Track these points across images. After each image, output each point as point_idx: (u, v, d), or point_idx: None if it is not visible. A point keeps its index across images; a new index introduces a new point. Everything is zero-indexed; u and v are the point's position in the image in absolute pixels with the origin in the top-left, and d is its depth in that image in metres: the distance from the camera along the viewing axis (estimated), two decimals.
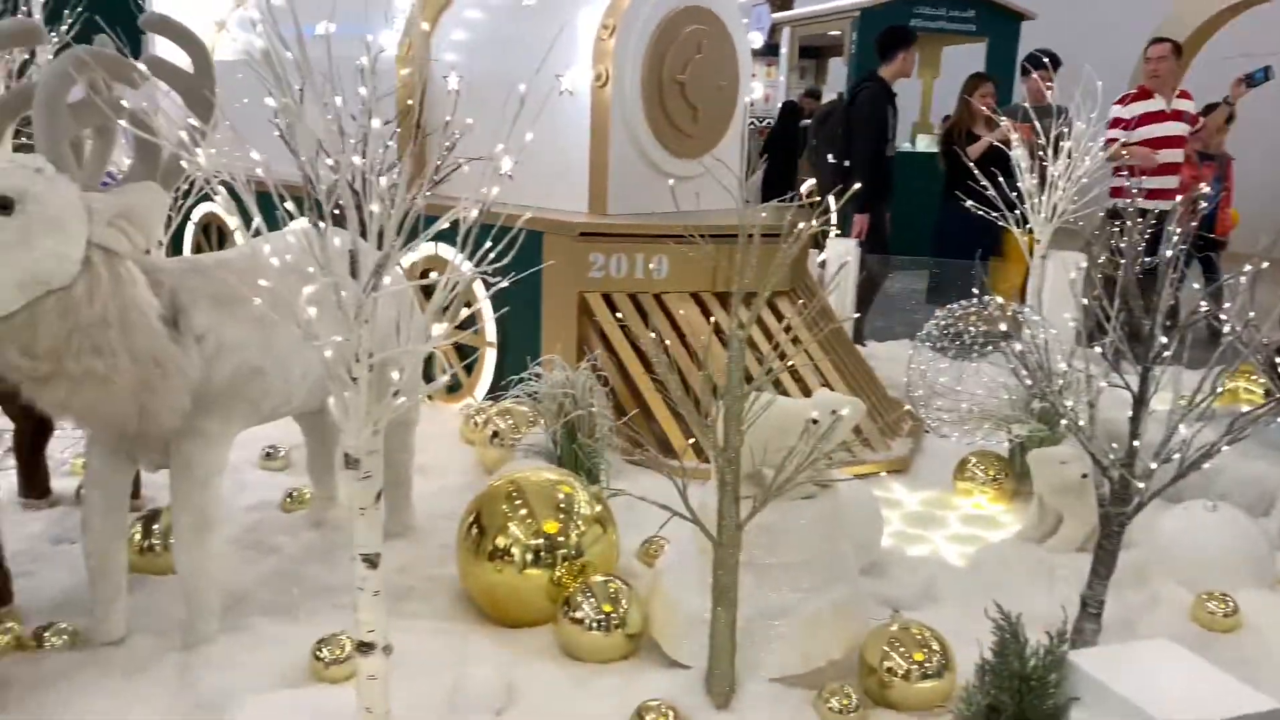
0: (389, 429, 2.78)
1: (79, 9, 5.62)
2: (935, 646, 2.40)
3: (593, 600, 2.54)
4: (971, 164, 4.95)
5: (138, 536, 2.98)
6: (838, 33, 11.49)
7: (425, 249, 5.25)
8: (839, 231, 5.55)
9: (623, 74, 4.44)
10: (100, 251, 2.06)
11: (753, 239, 2.28)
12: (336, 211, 2.07)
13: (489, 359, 4.62)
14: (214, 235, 6.35)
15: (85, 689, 2.31)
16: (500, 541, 2.73)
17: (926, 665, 2.37)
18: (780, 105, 11.14)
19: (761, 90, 5.29)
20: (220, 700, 2.25)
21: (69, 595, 2.77)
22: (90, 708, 2.22)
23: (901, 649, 2.39)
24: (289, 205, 1.72)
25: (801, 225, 2.31)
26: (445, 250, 4.51)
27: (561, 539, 2.73)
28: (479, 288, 4.29)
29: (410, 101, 4.52)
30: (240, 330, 2.37)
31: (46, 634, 2.48)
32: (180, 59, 2.33)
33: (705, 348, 3.93)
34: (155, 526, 2.99)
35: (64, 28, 5.75)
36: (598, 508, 2.86)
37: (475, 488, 3.63)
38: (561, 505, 2.80)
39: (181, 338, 2.24)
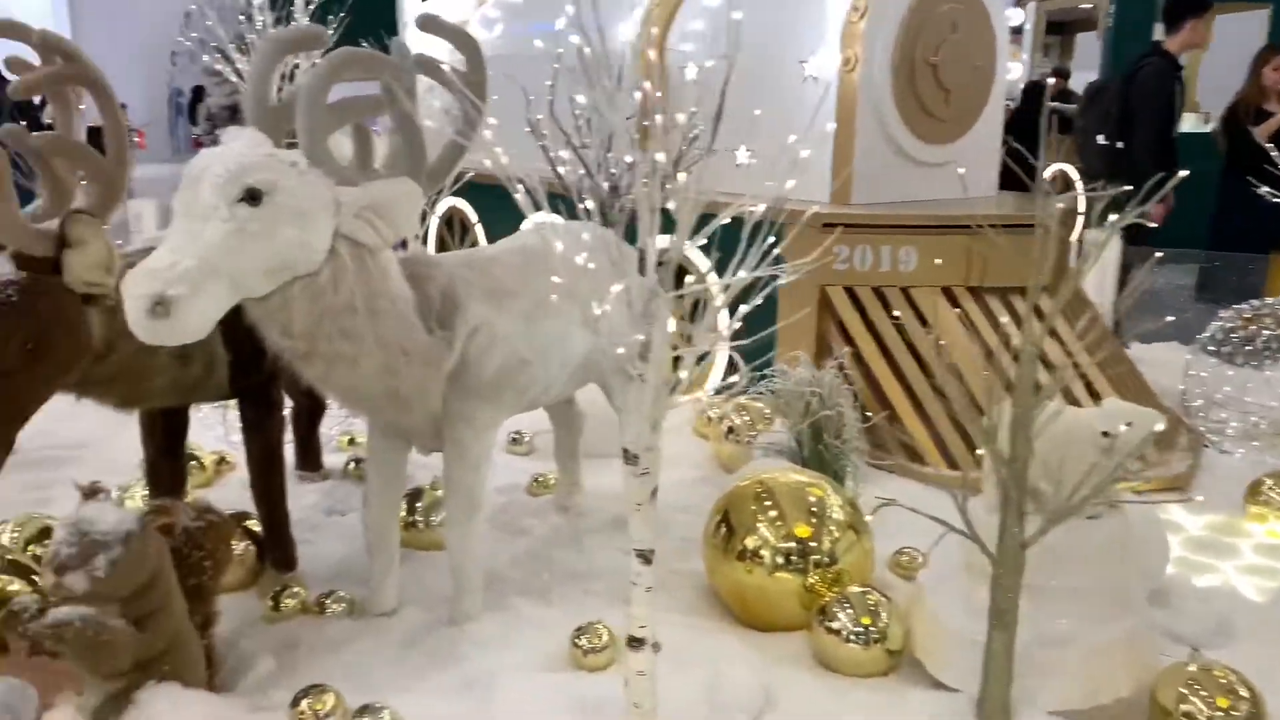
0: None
1: (341, 14, 6.06)
2: (1243, 692, 2.15)
3: (850, 611, 2.44)
4: (1266, 144, 4.43)
5: (403, 512, 3.15)
6: (1090, 5, 10.68)
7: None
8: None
9: (872, 57, 4.26)
10: (347, 242, 2.14)
11: (1048, 232, 2.09)
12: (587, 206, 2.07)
13: (720, 353, 4.58)
14: (456, 228, 6.64)
15: (364, 656, 2.44)
16: (750, 542, 2.68)
17: (1233, 713, 2.12)
18: (1023, 85, 10.48)
19: (1020, 70, 4.91)
20: (486, 678, 2.33)
21: (344, 564, 2.96)
22: (370, 676, 2.34)
23: (1202, 692, 2.14)
24: (589, 204, 1.72)
25: (1115, 218, 2.08)
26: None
27: (814, 544, 2.65)
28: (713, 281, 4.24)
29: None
30: (511, 323, 2.44)
31: (328, 601, 2.65)
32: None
33: (976, 351, 3.74)
34: (419, 504, 3.15)
35: (329, 32, 6.21)
36: (851, 513, 2.75)
37: (711, 481, 3.63)
38: (813, 509, 2.71)
39: (454, 330, 2.32)
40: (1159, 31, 6.13)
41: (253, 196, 2.02)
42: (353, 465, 3.66)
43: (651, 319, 1.67)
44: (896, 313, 4.00)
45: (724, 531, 2.75)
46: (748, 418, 3.86)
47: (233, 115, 6.93)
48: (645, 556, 1.84)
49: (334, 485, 3.58)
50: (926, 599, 2.46)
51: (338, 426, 3.96)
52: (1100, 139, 6.17)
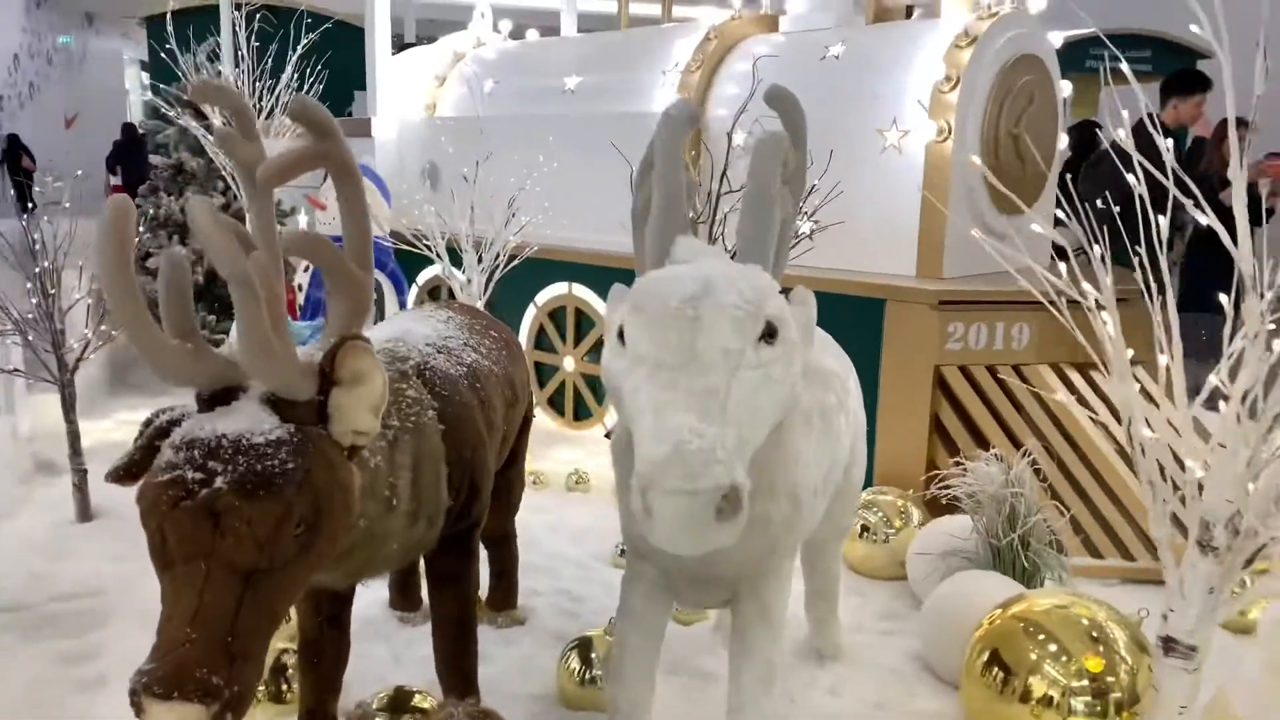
0: (825, 536, 2.33)
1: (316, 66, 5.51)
2: None
3: None
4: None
5: (575, 665, 2.65)
6: None
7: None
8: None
9: (964, 127, 4.08)
10: None
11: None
12: None
13: None
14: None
15: None
16: (1036, 685, 2.33)
17: None
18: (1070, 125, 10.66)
19: (1065, 140, 4.94)
20: None
21: None
22: None
23: None
24: None
25: None
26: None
27: (1110, 679, 2.31)
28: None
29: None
30: (813, 447, 2.02)
31: None
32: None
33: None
34: (593, 655, 2.65)
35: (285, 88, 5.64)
36: (1132, 631, 2.42)
37: (850, 587, 3.27)
38: (1094, 634, 2.38)
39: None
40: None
41: (771, 333, 1.55)
42: None
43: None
44: (1057, 394, 3.75)
45: (997, 671, 2.39)
46: (881, 514, 3.53)
47: (176, 174, 6.23)
48: None
49: None
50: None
51: None
52: (1099, 204, 6.24)
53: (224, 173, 5.63)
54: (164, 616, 1.39)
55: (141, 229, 6.24)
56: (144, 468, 1.48)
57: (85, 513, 3.66)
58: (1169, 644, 1.81)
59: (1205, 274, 6.30)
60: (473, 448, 2.09)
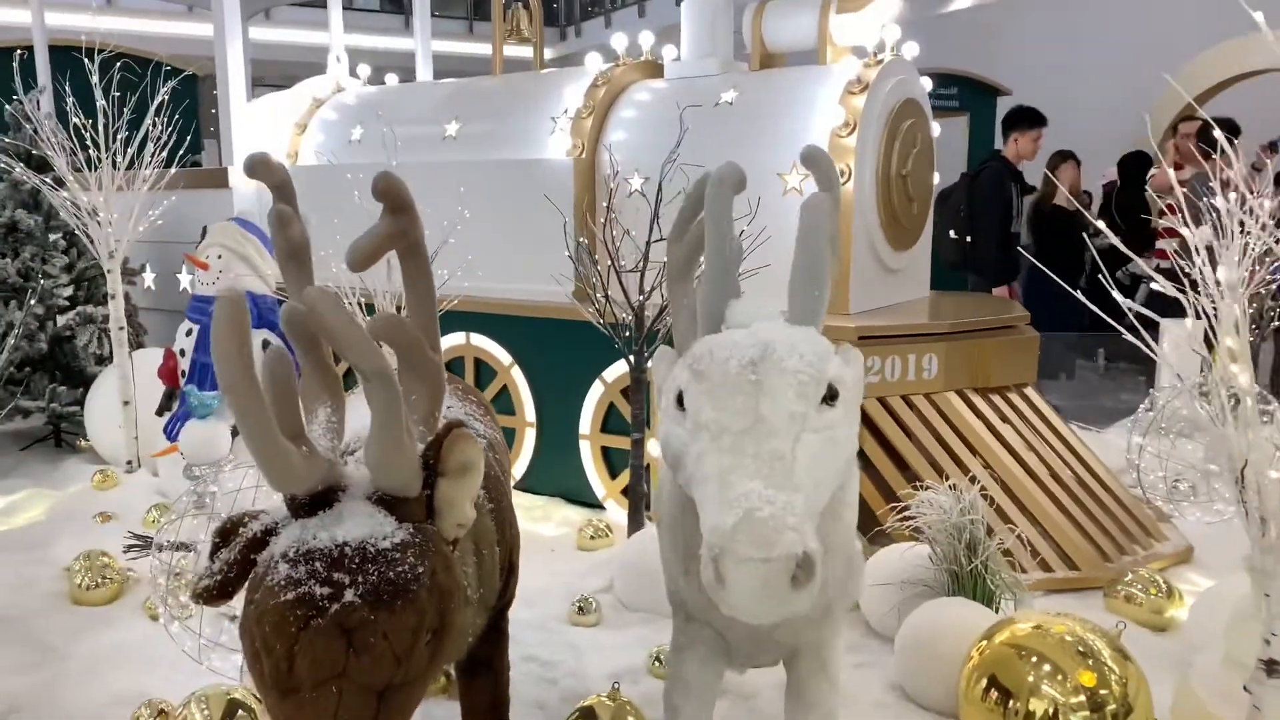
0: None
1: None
2: None
3: None
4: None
5: None
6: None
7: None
8: None
9: (862, 169, 4.29)
10: None
11: None
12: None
13: None
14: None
15: None
16: (1037, 707, 2.45)
17: None
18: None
19: (938, 177, 5.29)
20: None
21: None
22: None
23: None
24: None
25: None
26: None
27: (1104, 691, 2.46)
28: None
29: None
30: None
31: None
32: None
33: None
34: None
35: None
36: (1109, 640, 2.59)
37: None
38: (1080, 649, 2.53)
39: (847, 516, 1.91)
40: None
41: (832, 396, 1.54)
42: None
43: None
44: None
45: (996, 696, 2.50)
46: None
47: (8, 233, 5.63)
48: None
49: None
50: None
51: None
52: (951, 234, 6.70)
53: (75, 230, 5.15)
54: None
55: None
56: (238, 585, 1.34)
57: None
58: (1272, 666, 1.94)
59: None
60: (511, 524, 2.00)
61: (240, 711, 2.63)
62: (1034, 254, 7.52)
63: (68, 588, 3.58)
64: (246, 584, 1.34)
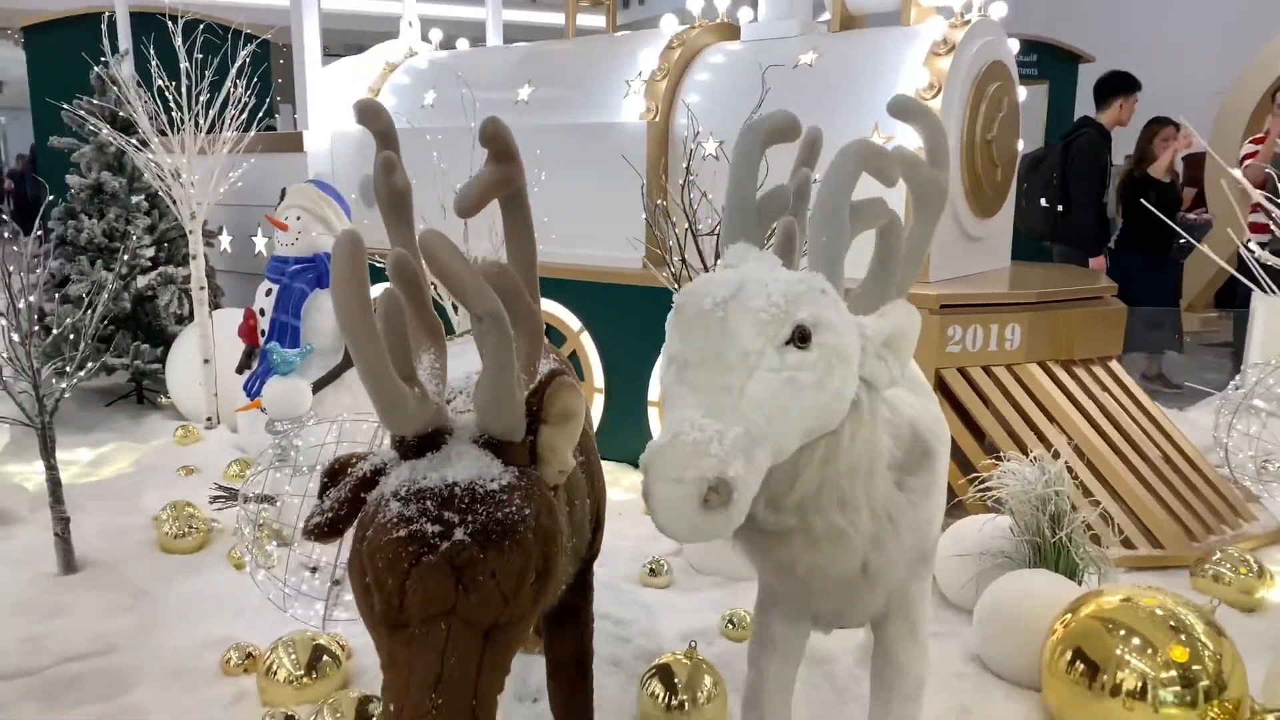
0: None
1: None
2: None
3: None
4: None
5: (659, 692, 2.58)
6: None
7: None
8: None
9: (947, 134, 4.18)
10: (865, 387, 1.70)
11: None
12: None
13: None
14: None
15: None
16: (1125, 679, 2.40)
17: None
18: None
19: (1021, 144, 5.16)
20: None
21: None
22: None
23: None
24: None
25: None
26: None
27: (1197, 668, 2.39)
28: None
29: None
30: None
31: None
32: None
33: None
34: (676, 681, 2.59)
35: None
36: (1207, 617, 2.52)
37: None
38: (1173, 624, 2.46)
39: (922, 483, 1.87)
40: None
41: (803, 337, 1.51)
42: None
43: None
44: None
45: (1082, 669, 2.45)
46: None
47: (95, 194, 5.81)
48: None
49: None
50: None
51: None
52: (1043, 202, 6.54)
53: (158, 191, 5.27)
54: (398, 681, 1.27)
55: (56, 253, 5.80)
56: (348, 522, 1.36)
57: (69, 564, 3.36)
58: None
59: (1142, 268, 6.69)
60: (599, 478, 2.01)
61: (325, 657, 2.69)
62: (1123, 224, 7.29)
63: (156, 536, 3.69)
64: (355, 522, 1.36)
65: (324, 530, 1.36)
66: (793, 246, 1.87)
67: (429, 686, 1.25)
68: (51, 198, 4.99)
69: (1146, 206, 6.93)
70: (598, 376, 4.98)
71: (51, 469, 3.30)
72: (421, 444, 1.38)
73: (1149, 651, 2.41)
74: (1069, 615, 2.60)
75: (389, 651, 1.30)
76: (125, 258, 5.37)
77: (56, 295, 5.81)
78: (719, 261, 1.71)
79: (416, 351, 1.49)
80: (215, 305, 5.94)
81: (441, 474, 1.32)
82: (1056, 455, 3.17)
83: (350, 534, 1.38)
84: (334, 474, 1.42)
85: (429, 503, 1.28)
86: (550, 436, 1.42)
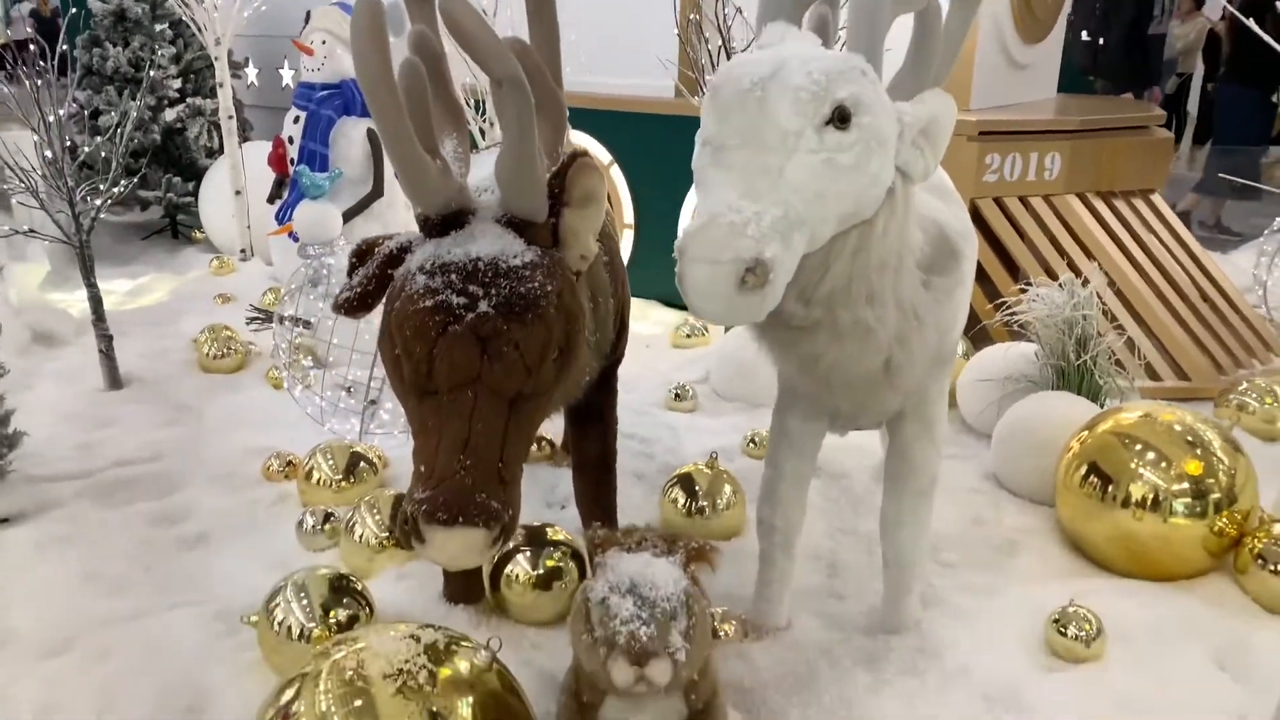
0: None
1: None
2: None
3: None
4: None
5: (680, 498, 2.68)
6: None
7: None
8: None
9: None
10: (900, 176, 1.68)
11: None
12: None
13: None
14: None
15: (807, 685, 2.02)
16: (1137, 490, 2.45)
17: None
18: None
19: None
20: (977, 686, 1.99)
21: None
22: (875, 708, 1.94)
23: None
24: None
25: None
26: None
27: (1210, 480, 2.44)
28: None
29: None
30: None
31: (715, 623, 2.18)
32: None
33: None
34: (696, 488, 2.68)
35: None
36: (1224, 433, 2.54)
37: None
38: (1189, 439, 2.49)
39: (949, 283, 1.87)
40: None
41: (842, 118, 1.49)
42: None
43: None
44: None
45: (1095, 481, 2.51)
46: None
47: (118, 21, 5.71)
48: None
49: None
50: None
51: None
52: (1084, 35, 6.25)
53: (181, 18, 5.17)
54: (428, 445, 1.34)
55: (82, 83, 5.76)
56: (377, 297, 1.40)
57: (115, 380, 3.49)
58: None
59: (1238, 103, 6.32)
60: (623, 282, 2.03)
61: (362, 464, 2.81)
62: (1230, 55, 6.83)
63: (197, 357, 3.80)
64: (384, 297, 1.39)
65: (353, 304, 1.40)
66: (827, 35, 1.82)
67: (457, 449, 1.31)
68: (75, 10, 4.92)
69: (1256, 31, 6.52)
70: (627, 211, 4.95)
71: (92, 286, 3.38)
72: (445, 223, 1.40)
73: (1163, 465, 2.45)
74: (1086, 432, 2.64)
75: (419, 418, 1.36)
76: (148, 83, 5.32)
77: (88, 128, 5.80)
78: (754, 42, 1.67)
79: (439, 137, 1.49)
80: (244, 139, 5.91)
81: (465, 250, 1.34)
82: (1086, 283, 3.15)
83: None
84: (361, 254, 1.45)
85: (454, 276, 1.31)
86: (572, 219, 1.43)
